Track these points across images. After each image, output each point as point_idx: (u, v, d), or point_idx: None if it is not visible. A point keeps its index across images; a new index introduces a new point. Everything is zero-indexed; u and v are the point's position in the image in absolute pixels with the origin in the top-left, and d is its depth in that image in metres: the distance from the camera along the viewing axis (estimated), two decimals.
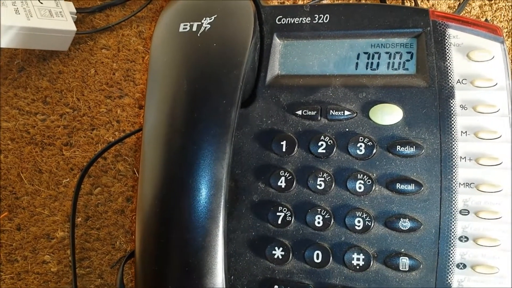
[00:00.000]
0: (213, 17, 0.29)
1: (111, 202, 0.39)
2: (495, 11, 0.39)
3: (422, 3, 0.40)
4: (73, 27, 0.44)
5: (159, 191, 0.27)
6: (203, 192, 0.26)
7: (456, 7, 0.40)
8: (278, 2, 0.44)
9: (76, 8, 0.47)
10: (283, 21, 0.31)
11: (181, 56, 0.28)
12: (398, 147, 0.28)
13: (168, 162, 0.27)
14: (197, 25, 0.29)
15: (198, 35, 0.29)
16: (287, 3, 0.44)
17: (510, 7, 0.39)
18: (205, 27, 0.29)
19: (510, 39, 0.38)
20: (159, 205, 0.27)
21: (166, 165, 0.27)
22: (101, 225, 0.38)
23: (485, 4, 0.39)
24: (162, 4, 0.47)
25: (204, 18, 0.29)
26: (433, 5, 0.40)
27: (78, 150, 0.42)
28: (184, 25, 0.29)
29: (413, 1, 0.40)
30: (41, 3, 0.44)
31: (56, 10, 0.44)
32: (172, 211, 0.27)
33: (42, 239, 0.39)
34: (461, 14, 0.38)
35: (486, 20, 0.36)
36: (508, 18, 0.38)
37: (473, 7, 0.39)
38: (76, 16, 0.47)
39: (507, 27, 0.38)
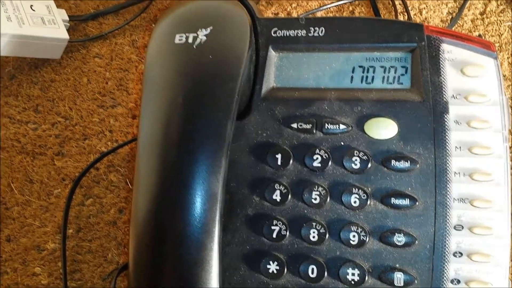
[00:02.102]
0: (209, 29, 0.30)
1: (103, 213, 0.39)
2: (487, 25, 0.40)
3: (415, 16, 0.41)
4: (65, 35, 0.45)
5: (153, 204, 0.27)
6: (198, 206, 0.27)
7: (449, 21, 0.41)
8: (272, 14, 0.45)
9: (68, 15, 0.47)
10: (279, 33, 0.32)
11: (177, 68, 0.29)
12: (393, 162, 0.29)
13: (162, 175, 0.27)
14: (193, 36, 0.29)
15: (194, 46, 0.29)
16: (281, 15, 0.45)
17: (501, 21, 0.40)
18: (201, 39, 0.29)
19: (501, 54, 0.39)
20: (153, 218, 0.27)
21: (161, 178, 0.27)
22: (93, 237, 0.39)
23: (477, 18, 0.40)
24: (156, 13, 0.48)
25: (200, 30, 0.30)
26: (426, 18, 0.41)
27: (70, 160, 0.42)
28: (180, 36, 0.30)
29: (406, 14, 0.40)
30: (34, 10, 0.44)
31: (49, 17, 0.45)
32: (166, 224, 0.27)
33: (33, 250, 0.39)
34: (453, 28, 0.39)
35: (479, 35, 0.37)
36: (500, 33, 0.39)
37: (465, 21, 0.40)
38: (68, 24, 0.47)
39: (498, 42, 0.39)
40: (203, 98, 0.28)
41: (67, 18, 0.47)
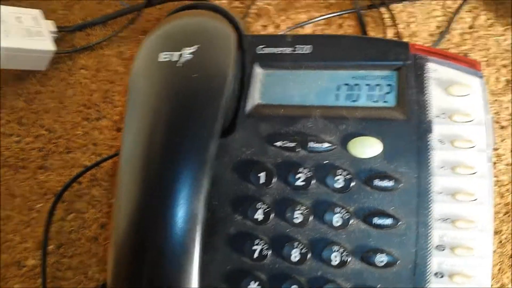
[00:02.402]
0: (194, 47, 0.30)
1: (85, 229, 0.39)
2: (476, 39, 0.40)
3: (403, 29, 0.42)
4: (52, 47, 0.45)
5: (133, 224, 0.27)
6: (178, 227, 0.27)
7: (437, 35, 0.41)
8: (261, 27, 0.45)
9: (56, 26, 0.47)
10: (265, 50, 0.32)
11: (160, 86, 0.29)
12: (376, 181, 0.29)
13: (143, 195, 0.27)
14: (178, 55, 0.30)
15: (179, 65, 0.29)
16: (270, 27, 0.45)
17: (490, 36, 0.40)
18: (186, 57, 0.29)
19: (489, 68, 0.39)
20: (133, 237, 0.27)
21: (141, 197, 0.27)
22: (74, 253, 0.38)
23: (465, 32, 0.41)
24: (144, 24, 0.48)
25: (185, 48, 0.30)
26: (414, 32, 0.41)
27: (53, 173, 0.42)
28: (164, 54, 0.30)
29: (394, 27, 0.41)
30: (20, 22, 0.44)
31: (36, 29, 0.45)
32: (146, 244, 0.27)
33: (13, 267, 0.39)
34: (442, 42, 0.40)
35: (465, 55, 0.37)
36: (488, 47, 0.40)
37: (454, 35, 0.41)
38: (56, 35, 0.47)
39: (486, 56, 0.39)
40: (186, 118, 0.28)
41: (55, 29, 0.47)
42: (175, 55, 0.30)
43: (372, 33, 0.42)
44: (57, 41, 0.47)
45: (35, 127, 0.44)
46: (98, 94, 0.45)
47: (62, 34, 0.48)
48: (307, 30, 0.43)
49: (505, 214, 0.34)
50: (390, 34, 0.41)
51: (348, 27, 0.42)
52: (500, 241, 0.33)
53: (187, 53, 0.30)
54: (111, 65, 0.46)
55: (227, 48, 0.30)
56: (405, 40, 0.41)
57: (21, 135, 0.44)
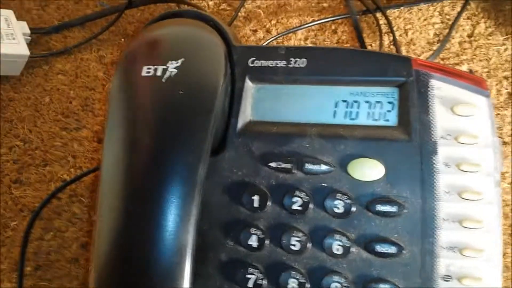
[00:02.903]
0: (180, 61, 0.27)
1: (65, 249, 0.37)
2: (475, 48, 0.39)
3: (400, 37, 0.40)
4: (26, 51, 0.42)
5: (116, 258, 0.25)
6: (166, 260, 0.25)
7: (436, 43, 0.39)
8: (250, 31, 0.43)
9: (30, 28, 0.44)
10: (257, 63, 0.30)
11: (143, 104, 0.27)
12: (378, 206, 0.27)
13: (125, 226, 0.25)
14: (162, 69, 0.27)
15: (163, 80, 0.27)
16: (260, 32, 0.43)
17: (490, 45, 0.39)
18: (171, 72, 0.27)
19: (490, 80, 0.38)
20: (116, 268, 0.25)
21: (124, 228, 0.25)
22: (53, 276, 0.36)
23: (465, 41, 0.39)
24: (125, 26, 0.45)
25: (170, 62, 0.27)
26: (411, 40, 0.40)
27: (29, 188, 0.39)
28: (147, 68, 0.27)
29: (391, 34, 0.39)
30: None
31: (7, 31, 0.42)
32: (131, 277, 0.25)
33: None
34: (441, 52, 0.38)
35: (470, 71, 0.35)
36: (488, 57, 0.38)
37: (453, 43, 0.39)
38: (30, 38, 0.44)
39: (487, 67, 0.38)
40: (172, 138, 0.26)
41: (28, 32, 0.44)
42: (159, 70, 0.27)
43: (368, 40, 0.40)
44: (31, 44, 0.44)
45: (8, 137, 0.41)
46: (77, 102, 0.42)
47: (37, 36, 0.45)
48: (299, 35, 0.41)
49: (510, 236, 0.33)
50: (386, 41, 0.40)
51: (343, 33, 0.40)
52: (506, 266, 0.32)
53: (172, 67, 0.27)
54: (90, 70, 0.44)
55: (216, 61, 0.28)
56: (402, 48, 0.39)
57: None
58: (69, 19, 0.46)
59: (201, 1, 0.45)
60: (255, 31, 0.43)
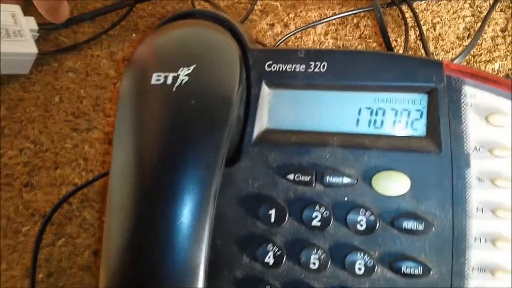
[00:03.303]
0: (191, 67, 0.26)
1: (76, 256, 0.36)
2: (509, 44, 0.36)
3: (427, 31, 0.37)
4: (34, 49, 0.41)
5: (126, 273, 0.24)
6: (178, 280, 0.23)
7: (466, 38, 0.37)
8: (267, 25, 0.41)
9: (38, 23, 0.43)
10: (274, 67, 0.28)
11: (152, 114, 0.25)
12: (405, 222, 0.25)
13: (136, 240, 0.24)
14: (173, 76, 0.26)
15: (174, 89, 0.25)
16: (277, 26, 0.41)
17: None
18: (182, 80, 0.25)
19: None
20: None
21: (134, 242, 0.24)
22: (65, 283, 0.35)
23: (497, 36, 0.36)
24: (136, 21, 0.44)
25: (181, 69, 0.26)
26: (440, 34, 0.37)
27: (40, 192, 0.38)
28: (157, 76, 0.26)
29: (418, 28, 0.36)
30: None
31: (14, 28, 0.40)
32: None
33: None
34: (472, 48, 0.35)
35: (507, 76, 0.33)
36: None
37: (485, 38, 0.36)
38: (38, 34, 0.43)
39: None
40: (184, 152, 0.24)
41: (36, 27, 0.43)
42: (169, 77, 0.26)
43: (393, 34, 0.37)
44: (40, 40, 0.43)
45: (18, 139, 0.40)
46: (87, 101, 0.41)
47: (45, 32, 0.44)
48: (319, 30, 0.39)
49: None
50: (412, 36, 0.37)
51: (365, 28, 0.38)
52: None
53: (183, 74, 0.26)
54: (101, 68, 0.42)
55: (230, 66, 0.27)
56: (430, 43, 0.36)
57: (3, 148, 0.40)
58: (79, 13, 0.45)
59: None
60: (272, 25, 0.41)
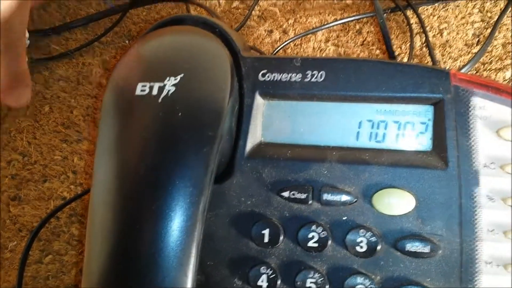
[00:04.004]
0: (179, 77, 0.24)
1: (64, 274, 0.34)
2: None
3: (434, 38, 0.36)
4: None
5: None
6: None
7: (475, 45, 0.35)
8: (265, 31, 0.39)
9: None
10: (268, 76, 0.27)
11: (137, 128, 0.24)
12: (408, 244, 0.24)
13: (118, 270, 0.22)
14: (159, 87, 0.24)
15: (159, 100, 0.24)
16: (276, 32, 0.39)
17: None
18: (169, 90, 0.24)
19: None
20: None
21: (116, 274, 0.22)
22: None
23: (509, 42, 0.34)
24: (130, 27, 0.42)
25: (168, 78, 0.24)
26: (447, 41, 0.35)
27: (27, 206, 0.37)
28: (142, 86, 0.24)
29: (424, 34, 0.35)
30: None
31: None
32: None
33: None
34: (482, 56, 0.33)
35: None
36: None
37: (495, 45, 0.34)
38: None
39: None
40: (169, 168, 0.23)
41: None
42: (155, 87, 0.24)
43: (397, 41, 0.36)
44: (30, 47, 0.41)
45: (7, 150, 0.39)
46: (78, 111, 0.40)
47: (36, 38, 0.43)
48: (320, 36, 0.37)
49: None
50: (418, 43, 0.35)
51: (368, 34, 0.36)
52: None
53: (169, 84, 0.24)
54: (93, 77, 0.41)
55: (221, 76, 0.25)
56: (436, 51, 0.34)
57: None
58: (71, 19, 0.43)
59: None
60: (270, 31, 0.39)
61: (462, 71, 0.32)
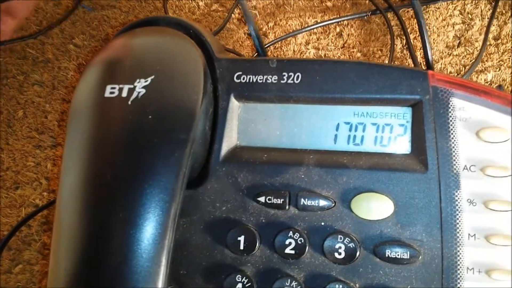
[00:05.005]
0: (149, 79, 0.23)
1: (34, 284, 0.33)
2: (502, 53, 0.34)
3: (415, 39, 0.35)
4: None
5: None
6: None
7: (456, 46, 0.34)
8: (244, 34, 0.38)
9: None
10: (243, 78, 0.26)
11: (104, 131, 0.23)
12: (387, 250, 0.23)
13: (84, 278, 0.21)
14: (129, 89, 0.23)
15: (129, 102, 0.23)
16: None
17: None
18: (139, 92, 0.23)
19: None
20: None
21: (82, 281, 0.21)
22: None
23: (490, 44, 0.34)
24: (107, 31, 0.41)
25: (138, 80, 0.23)
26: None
27: None
28: (111, 88, 0.23)
29: (404, 37, 0.34)
30: None
31: None
32: None
33: None
34: (462, 57, 0.33)
35: (499, 87, 0.31)
36: None
37: (476, 47, 0.34)
38: (3, 44, 0.40)
39: None
40: (138, 172, 0.22)
41: None
42: (124, 89, 0.23)
43: (377, 44, 0.35)
44: (6, 51, 0.40)
45: None
46: (52, 116, 0.38)
47: (12, 43, 0.41)
48: (300, 39, 0.37)
49: None
50: (399, 45, 0.35)
51: (349, 37, 0.36)
52: None
53: (140, 86, 0.23)
54: (68, 81, 0.40)
55: (193, 77, 0.24)
56: (417, 53, 0.34)
57: None
58: (48, 22, 0.42)
59: (191, 1, 0.41)
60: (250, 35, 0.38)
61: None
